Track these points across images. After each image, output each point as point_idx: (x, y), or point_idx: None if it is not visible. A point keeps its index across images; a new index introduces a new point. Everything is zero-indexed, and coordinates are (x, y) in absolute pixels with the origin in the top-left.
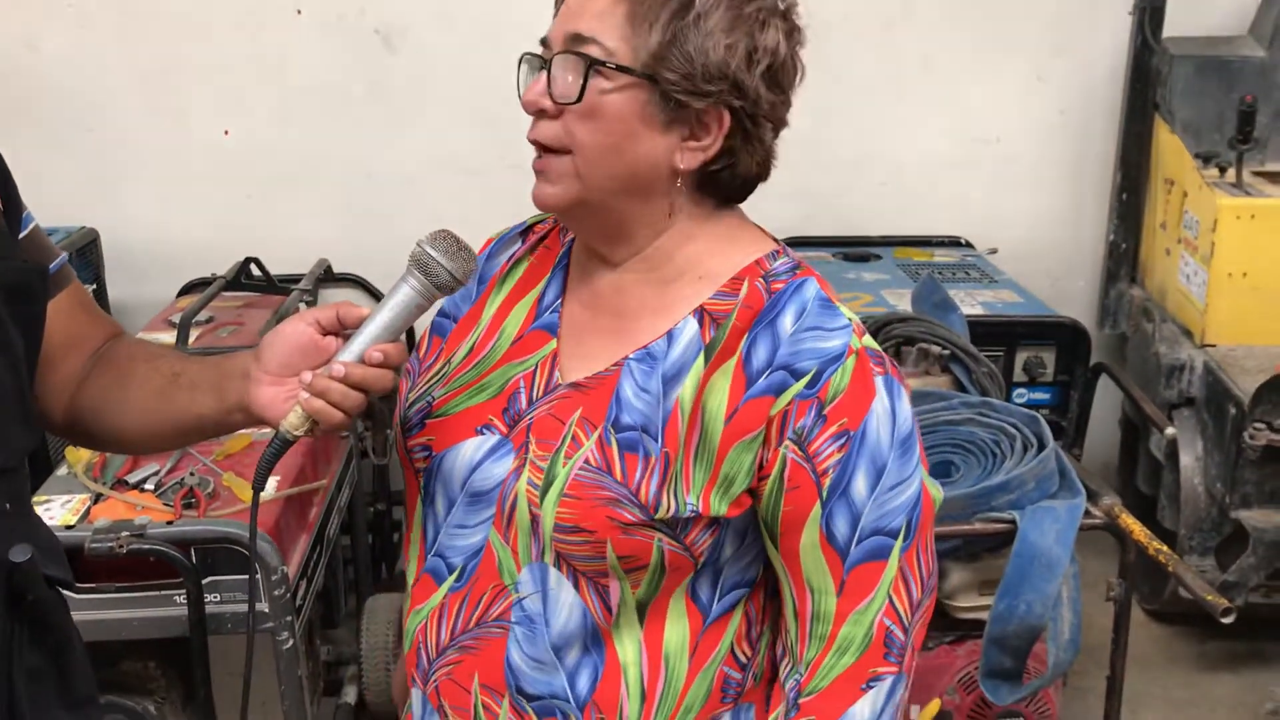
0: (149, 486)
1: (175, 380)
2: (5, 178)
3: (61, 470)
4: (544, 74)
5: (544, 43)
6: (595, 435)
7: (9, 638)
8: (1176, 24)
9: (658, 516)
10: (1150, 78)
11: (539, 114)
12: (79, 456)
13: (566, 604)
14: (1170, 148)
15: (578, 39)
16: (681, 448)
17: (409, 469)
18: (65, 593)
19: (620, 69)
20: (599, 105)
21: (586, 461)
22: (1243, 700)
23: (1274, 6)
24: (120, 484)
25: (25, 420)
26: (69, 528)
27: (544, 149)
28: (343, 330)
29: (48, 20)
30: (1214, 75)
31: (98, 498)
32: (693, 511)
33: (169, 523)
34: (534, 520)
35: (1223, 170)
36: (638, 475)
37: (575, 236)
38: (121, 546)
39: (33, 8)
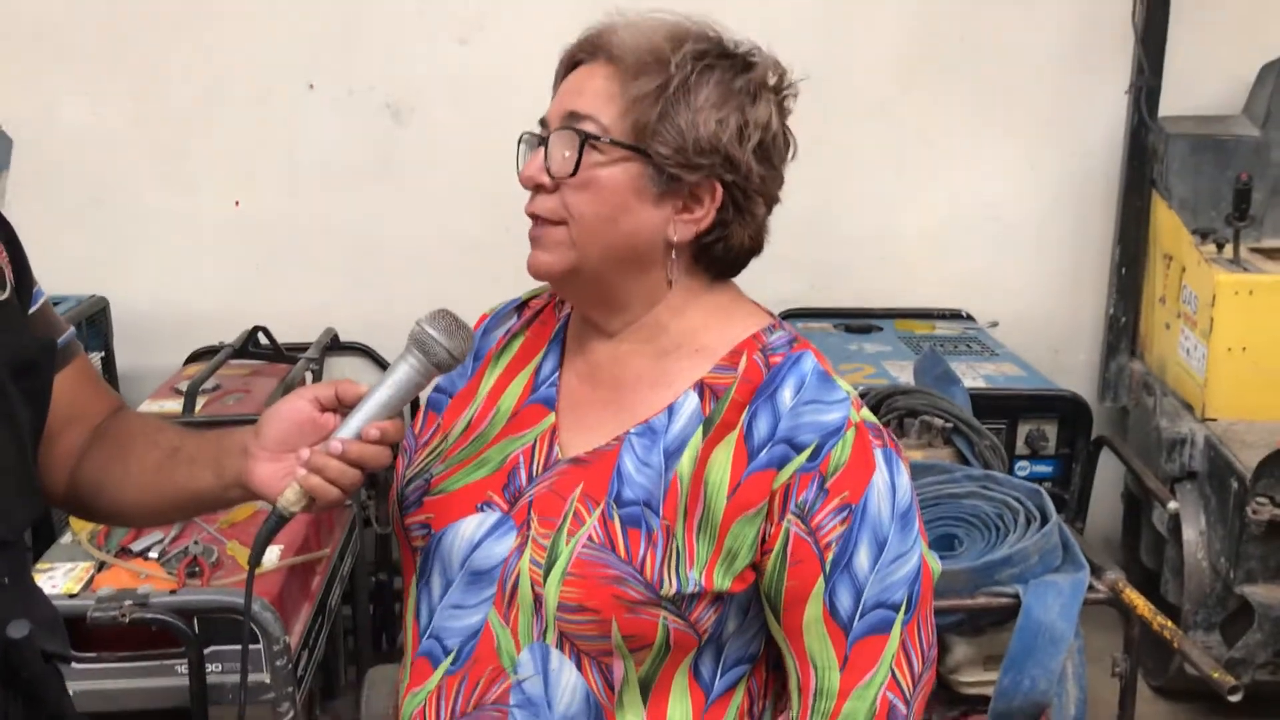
0: (153, 555)
1: (174, 455)
2: (18, 253)
3: (65, 538)
4: (541, 150)
5: (543, 123)
6: (598, 512)
7: (3, 715)
8: (1171, 103)
9: (662, 593)
10: (1147, 155)
11: (537, 188)
12: (83, 524)
13: (569, 685)
14: (1168, 224)
15: (574, 116)
16: (681, 521)
17: (405, 547)
18: (63, 665)
19: (614, 143)
20: (594, 178)
21: (590, 539)
22: None
23: (1266, 87)
24: (124, 552)
25: (28, 494)
26: (72, 596)
27: (541, 220)
28: (341, 407)
29: (65, 95)
30: (1209, 153)
31: (101, 566)
32: (696, 587)
33: (172, 592)
34: (537, 600)
35: (1220, 246)
36: (641, 551)
37: (571, 306)
38: (124, 615)
39: (50, 84)
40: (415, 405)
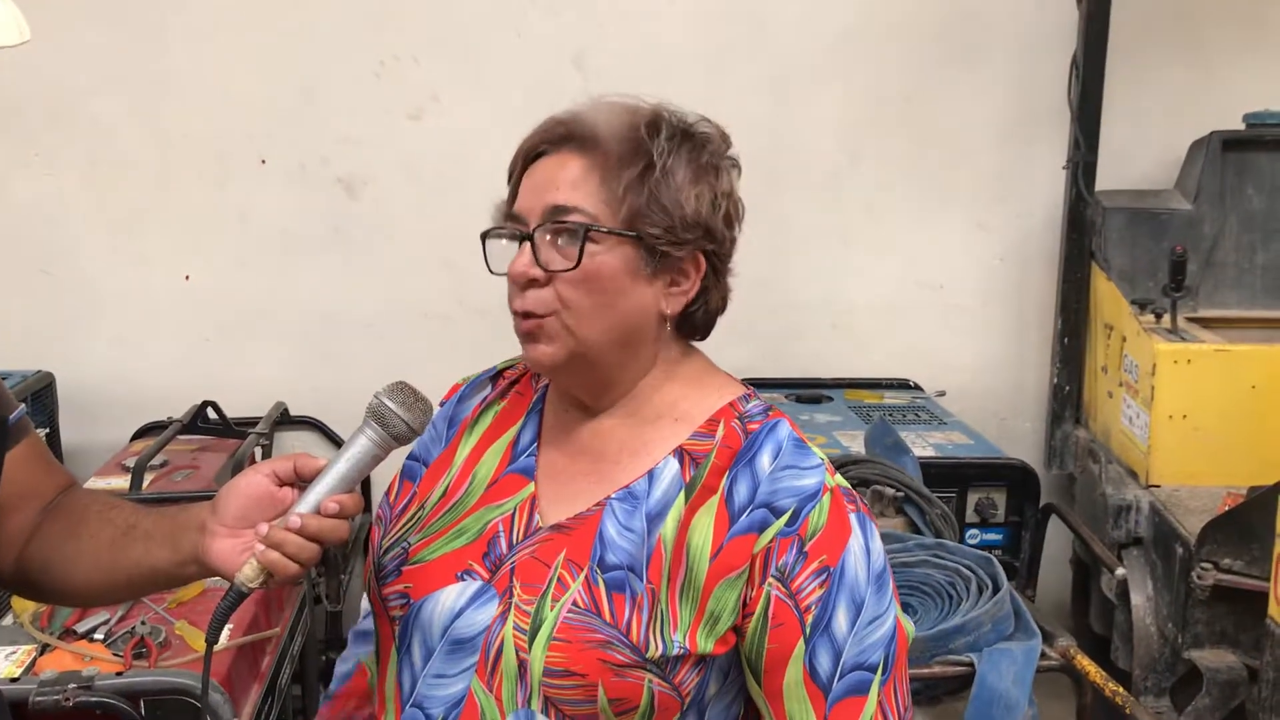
0: (98, 636)
1: (129, 532)
2: None
3: (6, 620)
4: (526, 246)
5: (514, 217)
6: (582, 576)
7: None
8: (1108, 177)
9: (648, 656)
10: (1085, 228)
11: (528, 284)
12: (25, 605)
13: None
14: (1108, 294)
15: (559, 210)
16: (665, 585)
17: (383, 617)
18: None
19: (610, 232)
20: (592, 268)
21: (575, 603)
22: None
23: (1196, 164)
24: (68, 633)
25: None
26: (13, 680)
27: (533, 315)
28: (299, 481)
29: (16, 167)
30: (1145, 226)
31: (44, 648)
32: (681, 650)
33: (119, 673)
34: (522, 666)
35: (1158, 316)
36: (627, 615)
37: (558, 387)
38: (68, 699)
39: (0, 154)
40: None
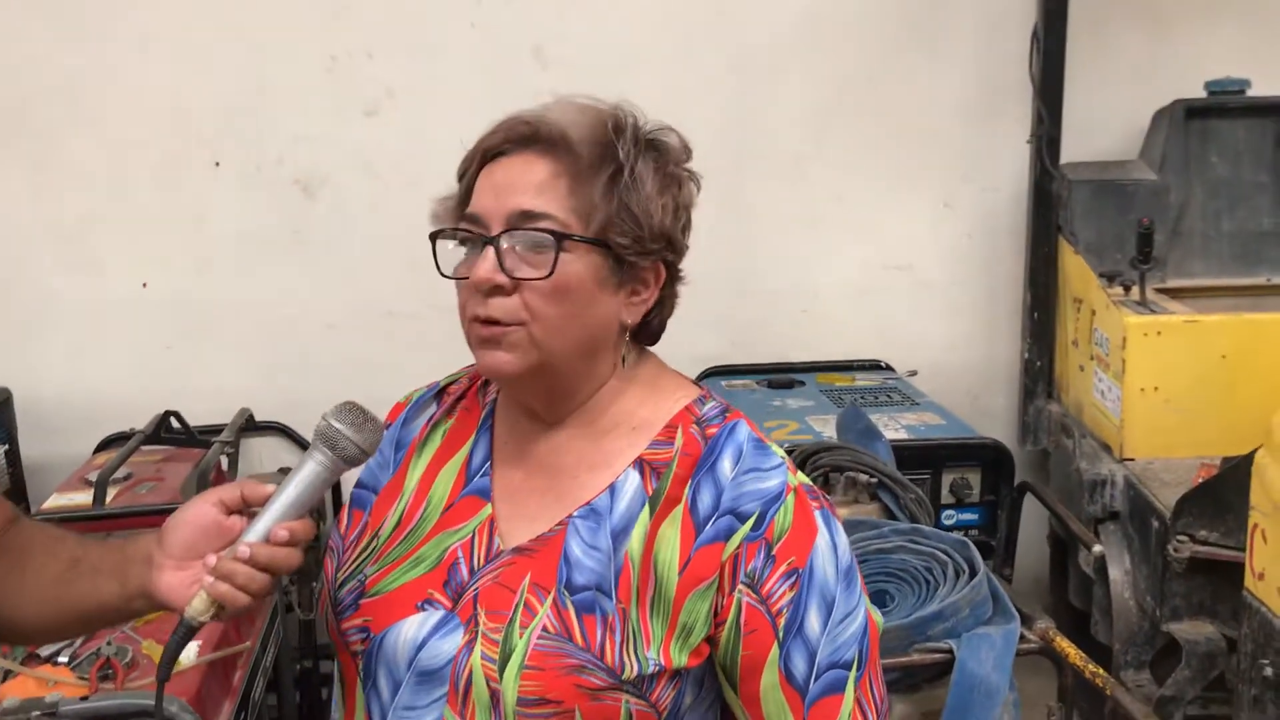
0: (63, 659)
1: (75, 566)
2: None
3: None
4: (489, 250)
5: (473, 219)
6: (549, 600)
7: None
8: (1072, 150)
9: (624, 677)
10: (1052, 202)
11: (492, 290)
12: None
13: None
14: (1076, 268)
15: (528, 215)
16: (635, 602)
17: (344, 653)
18: None
19: (581, 240)
20: (563, 278)
21: (545, 629)
22: None
23: (1160, 132)
24: (32, 658)
25: None
26: None
27: (496, 322)
28: (247, 509)
29: None
30: (1111, 198)
31: (6, 674)
32: (656, 667)
33: (84, 698)
34: (494, 696)
35: (1127, 288)
36: (599, 637)
37: (500, 393)
38: None
39: None
40: (337, 503)
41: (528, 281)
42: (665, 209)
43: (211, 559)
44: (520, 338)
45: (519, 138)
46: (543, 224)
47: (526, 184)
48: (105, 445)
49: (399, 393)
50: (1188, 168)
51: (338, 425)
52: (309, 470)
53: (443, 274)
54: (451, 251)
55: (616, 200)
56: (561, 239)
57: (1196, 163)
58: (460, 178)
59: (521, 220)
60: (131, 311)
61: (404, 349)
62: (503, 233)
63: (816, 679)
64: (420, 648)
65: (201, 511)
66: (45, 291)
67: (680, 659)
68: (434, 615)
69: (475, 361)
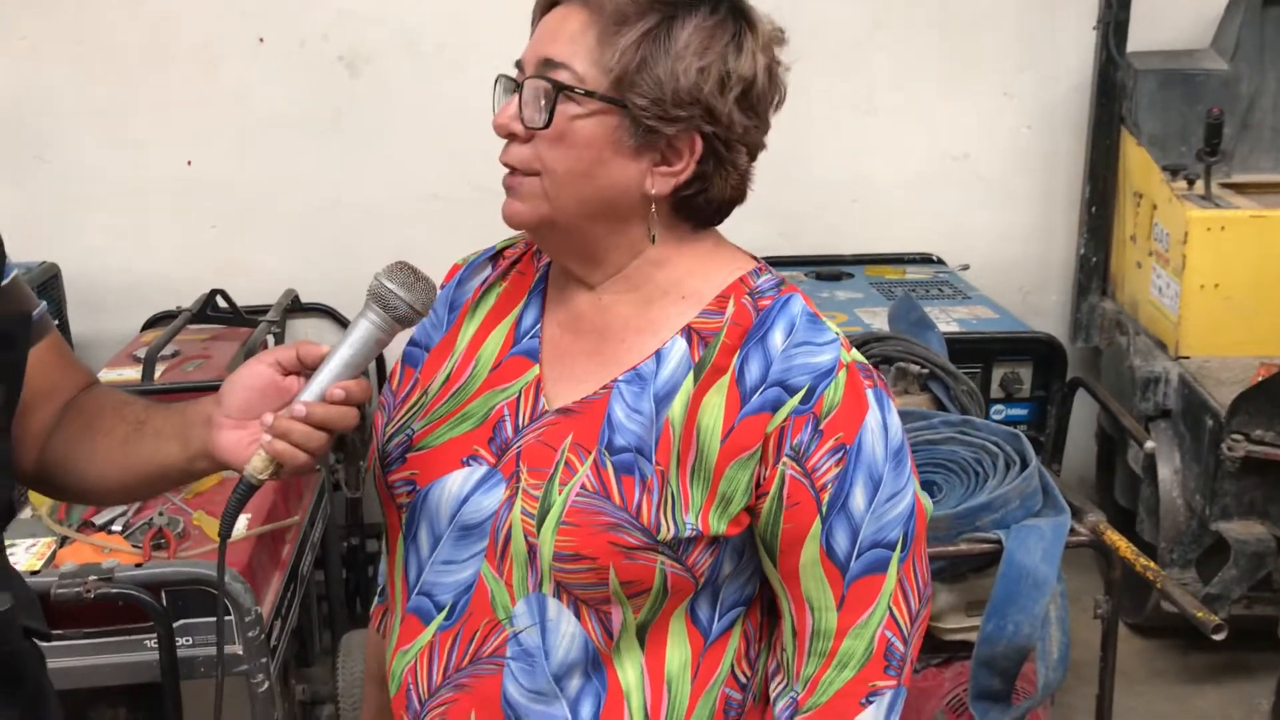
0: (116, 528)
1: (140, 429)
2: None
3: (25, 513)
4: (515, 97)
5: (519, 65)
6: (590, 460)
7: None
8: (1139, 38)
9: (660, 538)
10: (1116, 92)
11: (510, 137)
12: (43, 499)
13: (567, 634)
14: (1138, 161)
15: (549, 64)
16: (675, 467)
17: (389, 505)
18: (42, 643)
19: (589, 94)
20: (568, 131)
21: (583, 487)
22: (1227, 713)
23: (1234, 20)
24: (86, 526)
25: (4, 471)
26: (34, 573)
27: (515, 170)
28: (304, 369)
29: (0, 53)
30: (1178, 88)
31: (63, 541)
32: (693, 531)
33: (138, 565)
34: (531, 550)
35: (1191, 182)
36: (636, 498)
37: (550, 258)
38: (89, 591)
39: None
40: (381, 361)
41: (538, 132)
42: (704, 73)
43: (269, 418)
44: (533, 188)
45: None
46: (558, 74)
47: (559, 33)
48: (152, 323)
49: (438, 277)
50: (1262, 58)
51: (390, 285)
52: (362, 329)
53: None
54: (503, 97)
55: (641, 58)
56: (560, 89)
57: (1271, 52)
58: (532, 24)
59: (543, 68)
60: (175, 190)
61: (446, 231)
62: (527, 79)
63: (858, 556)
64: (463, 502)
65: (258, 372)
66: (89, 169)
67: (719, 526)
68: (478, 470)
69: None
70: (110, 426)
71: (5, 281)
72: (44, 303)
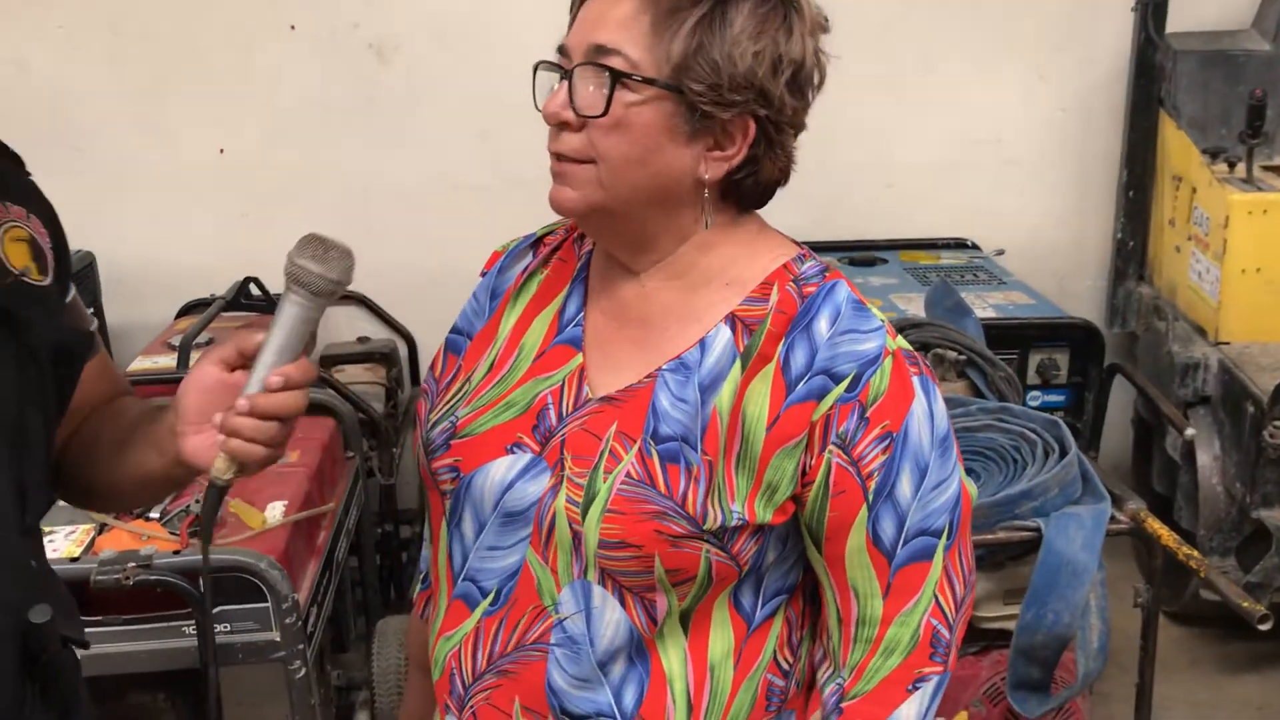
0: (154, 515)
1: (131, 436)
2: (60, 239)
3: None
4: (565, 85)
5: (562, 51)
6: (635, 448)
7: (19, 702)
8: (1179, 19)
9: (706, 527)
10: (1154, 74)
11: (561, 125)
12: None
13: (612, 621)
14: (1177, 144)
15: (600, 50)
16: (722, 456)
17: (434, 492)
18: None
19: (646, 81)
20: (625, 118)
21: (628, 475)
22: (1268, 702)
23: (1276, 1)
24: (124, 513)
25: (51, 481)
26: (74, 559)
27: (565, 158)
28: (248, 362)
29: (37, 40)
30: (1219, 70)
31: (102, 528)
32: (739, 520)
33: (176, 552)
34: (576, 538)
35: (1231, 165)
36: (682, 486)
37: (595, 244)
38: (128, 578)
39: (21, 27)
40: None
41: (591, 120)
42: (759, 58)
43: (218, 418)
44: (587, 176)
45: None
46: (612, 61)
47: (610, 18)
48: (186, 311)
49: (468, 265)
50: None
51: (300, 261)
52: (287, 313)
53: (537, 108)
54: (544, 84)
55: (697, 43)
56: (619, 77)
57: None
58: (571, 9)
59: (595, 55)
60: (208, 177)
61: (476, 219)
62: (576, 66)
63: (904, 544)
64: (507, 489)
65: (205, 373)
66: (123, 156)
67: (764, 515)
68: (522, 458)
69: None
70: (111, 435)
71: (69, 297)
72: (95, 321)
